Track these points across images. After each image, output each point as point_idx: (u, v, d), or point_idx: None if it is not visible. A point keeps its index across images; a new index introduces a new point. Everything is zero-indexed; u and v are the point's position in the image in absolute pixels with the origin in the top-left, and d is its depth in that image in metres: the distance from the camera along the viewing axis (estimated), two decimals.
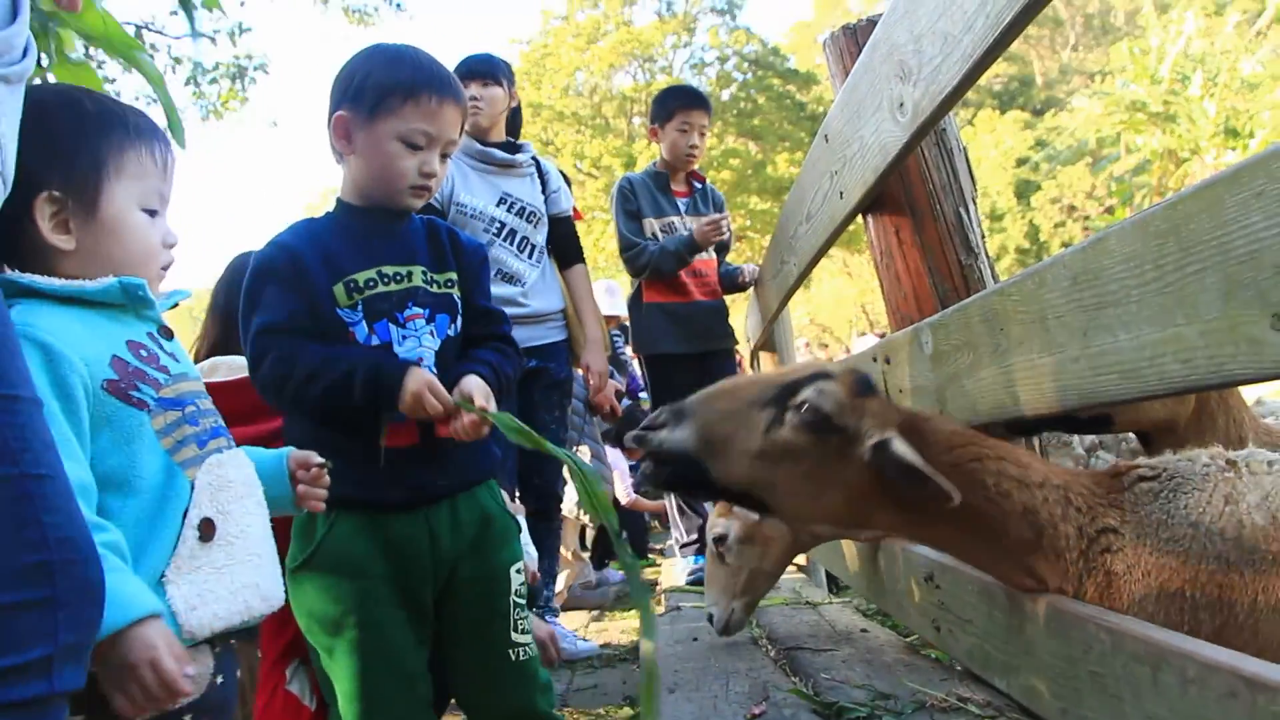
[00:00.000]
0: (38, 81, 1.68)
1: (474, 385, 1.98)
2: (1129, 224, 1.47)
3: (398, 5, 16.36)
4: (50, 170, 1.52)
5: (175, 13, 14.38)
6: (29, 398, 1.18)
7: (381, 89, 2.06)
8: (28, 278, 1.51)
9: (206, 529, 1.54)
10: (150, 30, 14.65)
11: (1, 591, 1.08)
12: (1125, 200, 29.23)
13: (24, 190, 1.44)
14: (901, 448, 1.81)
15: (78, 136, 1.57)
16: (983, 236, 2.68)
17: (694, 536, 5.16)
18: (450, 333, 2.11)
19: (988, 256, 2.67)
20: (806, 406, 1.87)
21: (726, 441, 1.90)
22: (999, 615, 2.08)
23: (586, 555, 6.62)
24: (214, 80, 15.47)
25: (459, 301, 2.15)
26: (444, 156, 2.12)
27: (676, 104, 5.05)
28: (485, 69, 4.09)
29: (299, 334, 1.99)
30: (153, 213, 1.65)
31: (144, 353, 1.58)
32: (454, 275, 2.16)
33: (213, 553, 1.53)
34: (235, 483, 1.61)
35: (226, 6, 15.50)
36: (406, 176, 2.06)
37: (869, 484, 1.89)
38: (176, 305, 1.75)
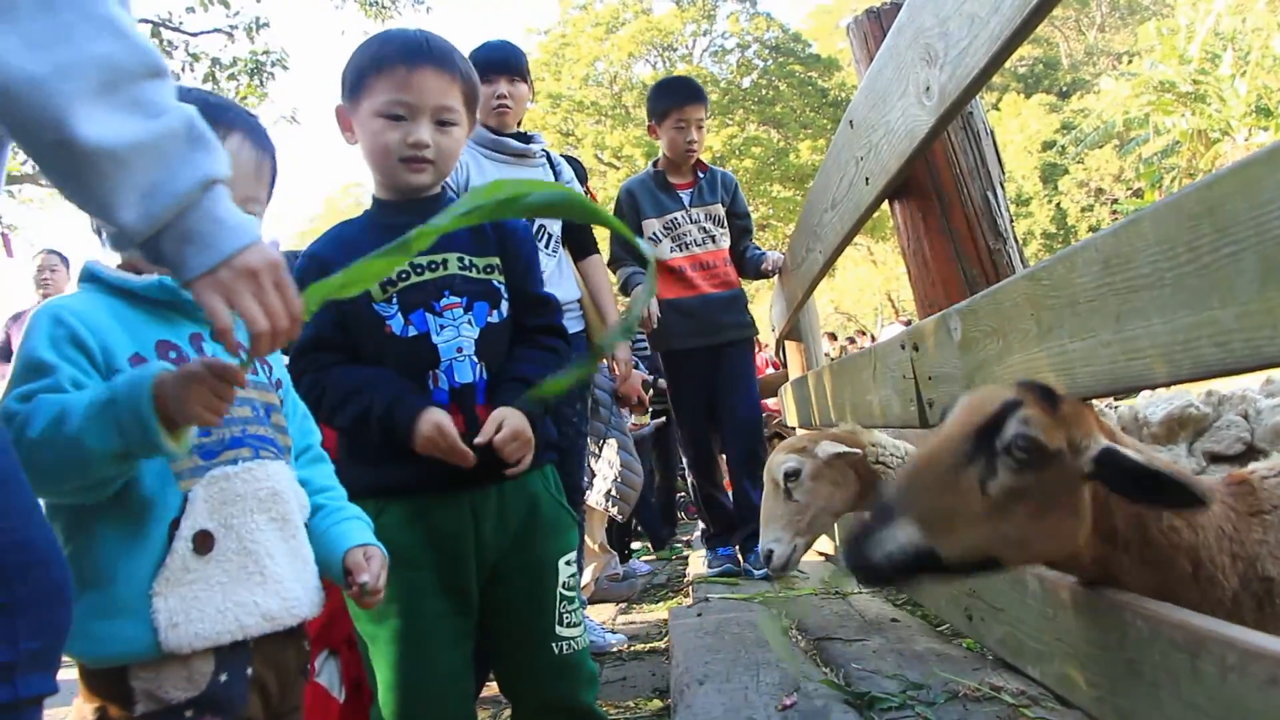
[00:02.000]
0: None
1: (505, 429, 1.98)
2: (1162, 206, 1.45)
3: None
4: None
5: (192, 10, 14.45)
6: None
7: (357, 71, 2.09)
8: (93, 263, 1.59)
9: (203, 542, 1.52)
10: (167, 28, 14.74)
11: None
12: (1154, 183, 28.96)
13: None
14: (1127, 453, 1.63)
15: None
16: (1011, 221, 2.65)
17: (718, 526, 5.14)
18: (492, 319, 2.09)
19: (1016, 241, 2.64)
20: (1017, 443, 1.63)
21: (949, 518, 1.65)
22: (1031, 603, 2.06)
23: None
24: (232, 76, 15.55)
25: (501, 288, 2.12)
26: (443, 124, 2.08)
27: (669, 102, 5.00)
28: (513, 65, 3.99)
29: (328, 351, 2.06)
30: None
31: (173, 355, 1.58)
32: (495, 260, 2.13)
33: (208, 567, 1.52)
34: (244, 496, 1.58)
35: (244, 2, 15.62)
36: (392, 150, 2.05)
37: (1096, 502, 1.71)
38: None
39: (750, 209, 5.64)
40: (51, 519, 1.44)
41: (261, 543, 1.60)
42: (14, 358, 1.50)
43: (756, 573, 4.81)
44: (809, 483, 3.20)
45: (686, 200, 5.03)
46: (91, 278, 1.59)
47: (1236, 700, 1.36)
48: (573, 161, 4.70)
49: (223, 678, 1.52)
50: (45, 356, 1.45)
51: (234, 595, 1.52)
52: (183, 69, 14.97)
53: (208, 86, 15.12)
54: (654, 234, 4.98)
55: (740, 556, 4.93)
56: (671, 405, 5.45)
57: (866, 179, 2.76)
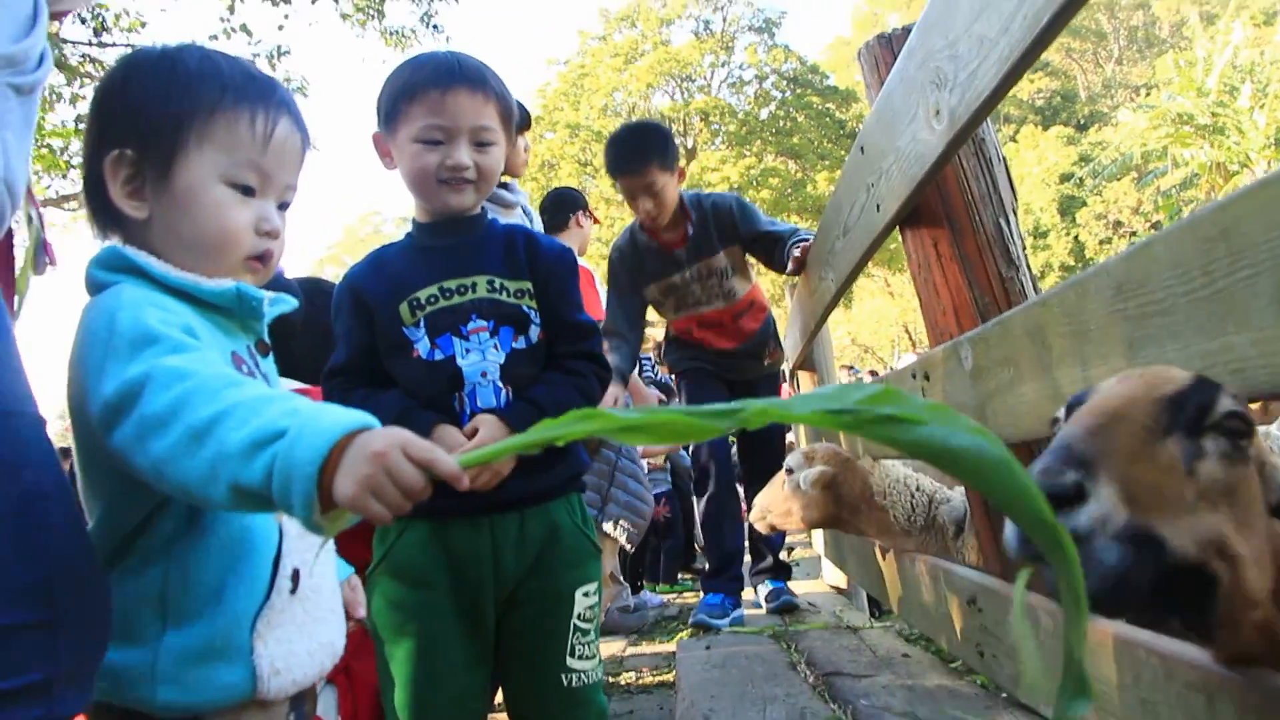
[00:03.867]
0: None
1: (479, 440, 1.93)
2: (1176, 229, 1.41)
3: (434, 27, 16.50)
4: (127, 129, 1.42)
5: (215, 36, 14.58)
6: (30, 413, 1.15)
7: (392, 99, 2.08)
8: (142, 258, 1.40)
9: (295, 579, 1.45)
10: None
11: (1, 612, 1.05)
12: (1172, 215, 28.92)
13: (104, 148, 1.41)
14: None
15: (163, 95, 1.44)
16: (1024, 248, 2.60)
17: (716, 560, 4.94)
18: (518, 345, 2.06)
19: (1029, 269, 2.59)
20: (1232, 422, 1.24)
21: (1158, 494, 1.18)
22: (1045, 640, 2.01)
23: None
24: None
25: (530, 313, 2.09)
26: (481, 145, 2.06)
27: (610, 171, 4.45)
28: None
29: (357, 374, 2.07)
30: (246, 190, 1.48)
31: (244, 369, 1.48)
32: (527, 285, 2.10)
33: (295, 606, 1.44)
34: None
35: (266, 30, 15.76)
36: (431, 173, 2.04)
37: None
38: (279, 316, 1.61)
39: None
40: (134, 539, 1.35)
41: (325, 578, 1.55)
42: (98, 344, 1.29)
43: (769, 606, 4.75)
44: (795, 489, 3.43)
45: (683, 257, 4.56)
46: (133, 270, 1.40)
47: None
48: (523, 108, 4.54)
49: (291, 718, 1.48)
50: (160, 329, 1.28)
51: (318, 636, 1.47)
52: None
53: None
54: (654, 299, 4.70)
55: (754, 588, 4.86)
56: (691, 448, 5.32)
57: (878, 205, 2.73)
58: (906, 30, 2.63)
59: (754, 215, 4.60)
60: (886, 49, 2.81)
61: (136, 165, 1.42)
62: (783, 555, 5.26)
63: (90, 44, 13.73)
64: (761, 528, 3.66)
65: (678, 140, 35.89)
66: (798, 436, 6.04)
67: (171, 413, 1.17)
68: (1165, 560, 1.14)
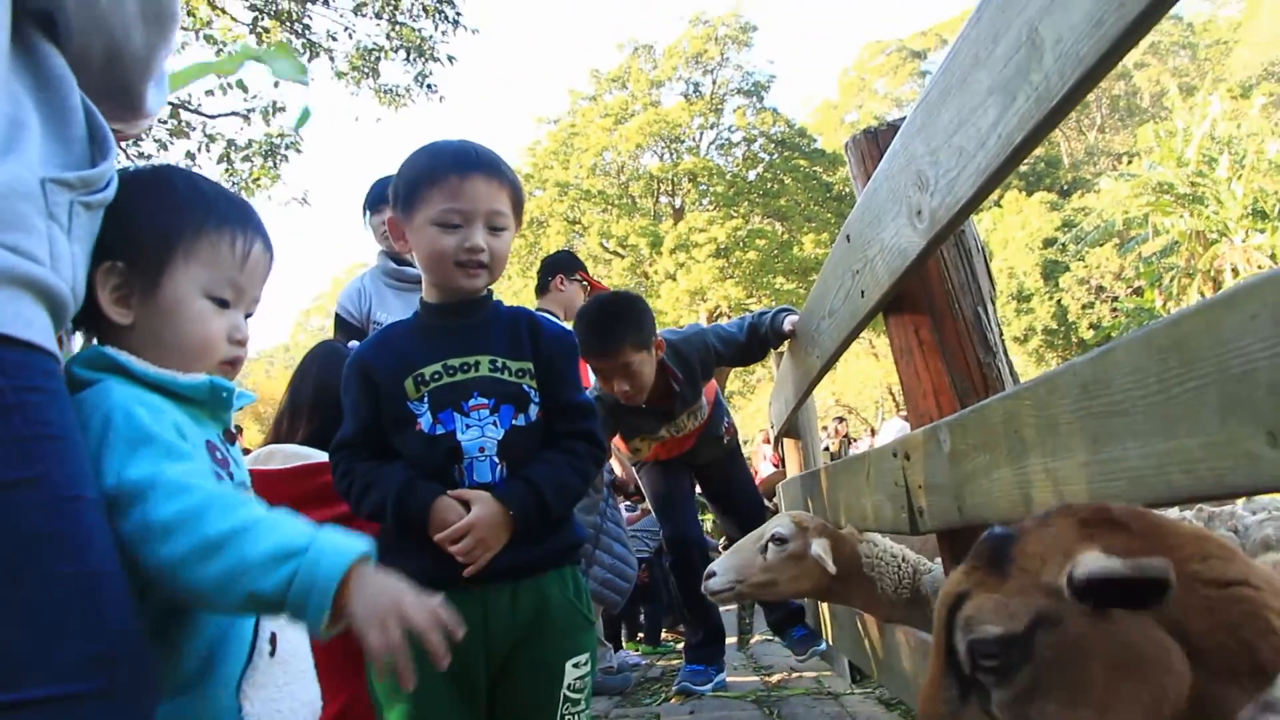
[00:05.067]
0: None
1: (468, 540, 2.02)
2: (1135, 338, 1.53)
3: (428, 87, 16.68)
4: (119, 243, 1.53)
5: (211, 92, 14.75)
6: (92, 498, 1.27)
7: (410, 185, 2.18)
8: (122, 356, 1.51)
9: (274, 642, 1.58)
10: (186, 109, 15.03)
11: (66, 682, 1.16)
12: (1153, 282, 29.24)
13: (95, 259, 1.51)
14: (1095, 558, 1.24)
15: (154, 214, 1.58)
16: (1000, 335, 2.73)
17: (700, 635, 5.06)
18: (518, 422, 2.14)
19: (1006, 355, 2.72)
20: (978, 654, 1.27)
21: None
22: None
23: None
24: (247, 158, 15.81)
25: (530, 392, 2.17)
26: (495, 230, 2.16)
27: (584, 353, 3.89)
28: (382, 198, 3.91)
29: (363, 447, 2.16)
30: (222, 303, 1.62)
31: (218, 455, 1.61)
32: (529, 365, 2.19)
33: (274, 669, 1.56)
34: None
35: (262, 86, 15.95)
36: (448, 256, 2.12)
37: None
38: (241, 409, 1.74)
39: (753, 299, 5.43)
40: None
41: (300, 643, 1.66)
42: (92, 438, 1.41)
43: (799, 654, 4.78)
44: (784, 556, 3.31)
45: (672, 410, 4.48)
46: (114, 368, 1.52)
47: None
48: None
49: None
50: (154, 429, 1.43)
51: (298, 695, 1.57)
52: (199, 149, 15.24)
53: (222, 167, 15.40)
54: (634, 447, 4.72)
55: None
56: (652, 507, 5.30)
57: (862, 292, 2.86)
58: (892, 127, 2.78)
59: (729, 335, 4.58)
60: (872, 143, 2.96)
61: (125, 276, 1.54)
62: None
63: None
64: (724, 598, 3.47)
65: (665, 200, 36.00)
66: (782, 503, 6.13)
67: (181, 523, 1.33)
68: None
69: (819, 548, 3.21)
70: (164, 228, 1.58)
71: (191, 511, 1.33)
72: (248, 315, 1.71)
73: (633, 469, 5.10)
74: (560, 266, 5.46)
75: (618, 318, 4.09)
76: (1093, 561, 1.19)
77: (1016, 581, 1.26)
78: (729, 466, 5.17)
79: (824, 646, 4.94)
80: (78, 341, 1.63)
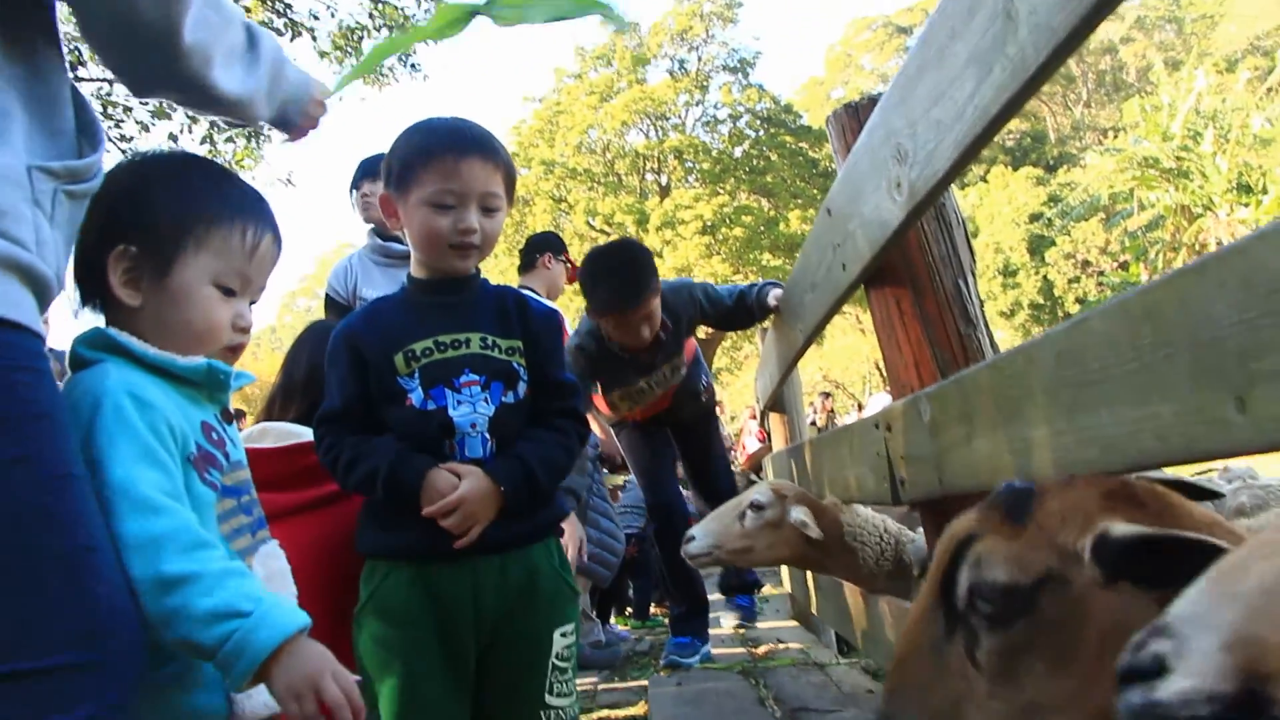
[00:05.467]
0: None
1: (459, 514, 2.04)
2: (1110, 306, 1.55)
3: (413, 66, 16.57)
4: (133, 227, 1.59)
5: None
6: (79, 475, 1.30)
7: (404, 163, 2.17)
8: (124, 337, 1.57)
9: None
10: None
11: (58, 654, 1.19)
12: (1139, 256, 29.36)
13: (109, 241, 1.57)
14: (1123, 527, 1.23)
15: (170, 202, 1.64)
16: (981, 306, 2.75)
17: (684, 607, 5.06)
18: (507, 399, 2.16)
19: (986, 327, 2.74)
20: (980, 596, 1.28)
21: (955, 712, 1.23)
22: None
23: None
24: (230, 139, 15.70)
25: (520, 370, 2.19)
26: (489, 211, 2.16)
27: (611, 309, 4.07)
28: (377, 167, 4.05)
29: (349, 420, 2.15)
30: (229, 291, 1.68)
31: (214, 435, 1.66)
32: (518, 343, 2.21)
33: None
34: (277, 573, 1.70)
35: None
36: (443, 236, 2.13)
37: None
38: (240, 388, 1.79)
39: (740, 275, 5.34)
40: None
41: None
42: (106, 432, 1.46)
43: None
44: (762, 524, 3.32)
45: (652, 361, 4.45)
46: (116, 348, 1.57)
47: None
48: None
49: None
50: (138, 426, 1.47)
51: None
52: (181, 130, 15.11)
53: (205, 147, 15.28)
54: (612, 402, 4.70)
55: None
56: (635, 474, 5.31)
57: (844, 265, 2.88)
58: (871, 100, 2.79)
59: (717, 295, 4.59)
60: (853, 117, 2.97)
61: (137, 260, 1.59)
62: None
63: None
64: (701, 563, 3.55)
65: (651, 178, 35.86)
66: (769, 477, 6.16)
67: (139, 548, 1.39)
68: None
69: (799, 513, 3.23)
70: (179, 217, 1.63)
71: (151, 540, 1.38)
72: (252, 303, 1.77)
73: (614, 437, 5.09)
74: (549, 245, 5.46)
75: (640, 265, 4.12)
76: (1125, 528, 1.19)
77: (1032, 535, 1.26)
78: (707, 433, 5.15)
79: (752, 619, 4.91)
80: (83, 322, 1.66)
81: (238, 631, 1.37)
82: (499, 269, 26.77)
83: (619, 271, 4.07)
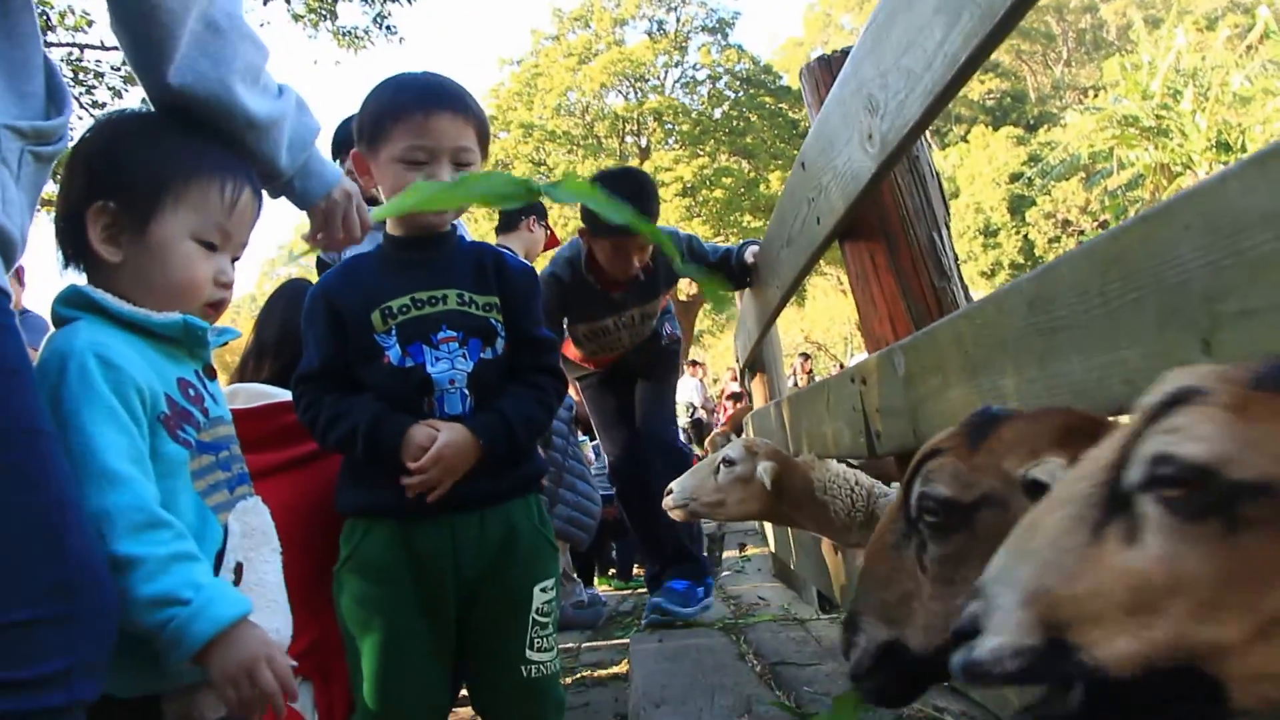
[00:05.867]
0: None
1: (436, 469, 2.04)
2: (1078, 252, 1.55)
3: (388, 28, 16.44)
4: (112, 183, 1.59)
5: None
6: (48, 430, 1.29)
7: (374, 119, 2.17)
8: (99, 294, 1.57)
9: (239, 573, 1.61)
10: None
11: (28, 607, 1.19)
12: (1118, 215, 29.36)
13: (88, 198, 1.57)
14: (1051, 463, 1.25)
15: (147, 158, 1.63)
16: (955, 260, 2.76)
17: (657, 565, 4.83)
18: (485, 355, 2.16)
19: (961, 279, 2.75)
20: (924, 506, 1.36)
21: (906, 605, 1.35)
22: None
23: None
24: None
25: (497, 325, 2.18)
26: (461, 166, 2.14)
27: (609, 228, 3.96)
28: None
29: (327, 379, 2.15)
30: (210, 246, 1.68)
31: (191, 392, 1.65)
32: (495, 299, 2.20)
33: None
34: (257, 530, 1.68)
35: None
36: None
37: None
38: (225, 344, 1.80)
39: (720, 237, 5.24)
40: None
41: (270, 573, 1.69)
42: (70, 393, 1.46)
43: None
44: (733, 479, 3.36)
45: (622, 301, 4.40)
46: (91, 306, 1.57)
47: None
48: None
49: None
50: (102, 388, 1.47)
51: (263, 623, 1.57)
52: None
53: None
54: (577, 338, 4.60)
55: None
56: (597, 433, 5.15)
57: (818, 219, 2.88)
58: (844, 53, 2.77)
59: (701, 249, 4.59)
60: (826, 70, 2.95)
61: (116, 216, 1.59)
62: (734, 553, 5.34)
63: None
64: (679, 515, 3.55)
65: (630, 140, 35.66)
66: (748, 430, 6.18)
67: (91, 519, 1.37)
68: (910, 653, 1.32)
69: (763, 469, 3.26)
70: (156, 171, 1.63)
71: (103, 515, 1.39)
72: (234, 260, 1.76)
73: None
74: (534, 209, 5.41)
75: (654, 191, 4.25)
76: (1045, 471, 1.23)
77: (981, 459, 1.33)
78: (662, 379, 4.95)
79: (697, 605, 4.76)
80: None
81: (175, 620, 1.39)
82: (479, 234, 26.66)
83: (640, 195, 3.99)
